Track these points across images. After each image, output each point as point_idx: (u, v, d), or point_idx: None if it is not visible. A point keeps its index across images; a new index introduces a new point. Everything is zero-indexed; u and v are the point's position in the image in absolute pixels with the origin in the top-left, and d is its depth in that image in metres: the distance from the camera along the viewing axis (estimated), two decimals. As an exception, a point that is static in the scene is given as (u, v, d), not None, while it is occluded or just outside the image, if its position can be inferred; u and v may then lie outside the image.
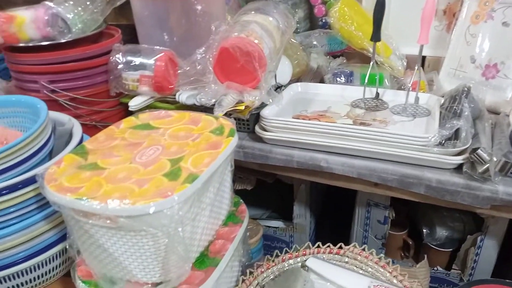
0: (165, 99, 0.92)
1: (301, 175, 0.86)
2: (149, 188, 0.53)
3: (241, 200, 0.77)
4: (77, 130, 0.73)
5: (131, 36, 1.02)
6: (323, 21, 1.19)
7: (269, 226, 1.09)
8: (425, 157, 0.73)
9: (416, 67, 0.86)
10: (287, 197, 1.06)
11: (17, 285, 0.67)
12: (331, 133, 0.78)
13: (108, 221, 0.50)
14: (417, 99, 0.90)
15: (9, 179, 0.62)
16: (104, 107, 0.92)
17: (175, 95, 0.88)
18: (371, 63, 0.90)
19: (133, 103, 0.86)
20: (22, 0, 1.18)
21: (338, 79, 1.03)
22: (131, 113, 0.98)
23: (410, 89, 0.89)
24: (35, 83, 0.85)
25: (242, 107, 0.80)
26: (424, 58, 1.07)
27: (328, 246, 0.76)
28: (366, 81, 0.91)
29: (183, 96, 0.85)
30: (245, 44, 0.78)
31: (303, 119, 0.84)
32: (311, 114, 0.88)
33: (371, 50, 1.00)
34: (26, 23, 0.84)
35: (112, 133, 0.69)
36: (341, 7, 1.03)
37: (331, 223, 1.16)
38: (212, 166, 0.58)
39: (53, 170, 0.58)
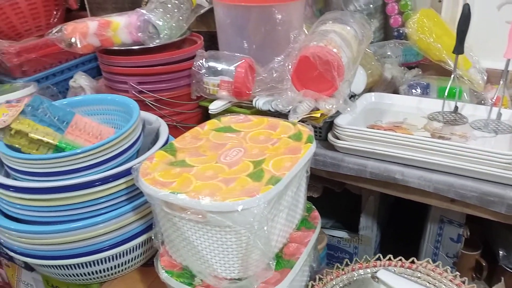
0: (241, 104, 0.95)
1: (373, 186, 0.85)
2: (235, 187, 0.56)
3: (314, 207, 0.78)
4: (164, 129, 0.78)
5: (210, 42, 1.07)
6: (399, 31, 1.18)
7: (333, 236, 1.09)
8: (509, 175, 0.71)
9: (501, 82, 0.83)
10: (353, 207, 1.05)
11: (102, 270, 0.73)
12: (408, 145, 0.77)
13: (199, 216, 0.53)
14: (499, 115, 0.86)
15: (102, 172, 0.68)
16: (185, 109, 0.97)
17: (251, 100, 0.91)
18: (452, 76, 0.88)
19: (213, 107, 0.90)
20: (112, 6, 1.28)
21: (413, 90, 1.02)
22: (207, 115, 1.03)
23: (493, 104, 0.86)
24: (124, 84, 0.92)
25: (318, 115, 0.82)
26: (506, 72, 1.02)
27: (400, 259, 0.75)
28: (446, 94, 0.89)
29: (259, 102, 0.88)
30: (324, 53, 0.79)
31: (378, 129, 0.84)
32: (386, 125, 0.87)
33: (449, 62, 0.98)
34: (120, 28, 0.91)
35: (197, 134, 0.73)
36: (419, 18, 1.02)
37: (397, 236, 1.14)
38: (293, 170, 0.60)
39: (146, 165, 0.62)
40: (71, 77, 1.44)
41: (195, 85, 0.93)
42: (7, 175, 0.72)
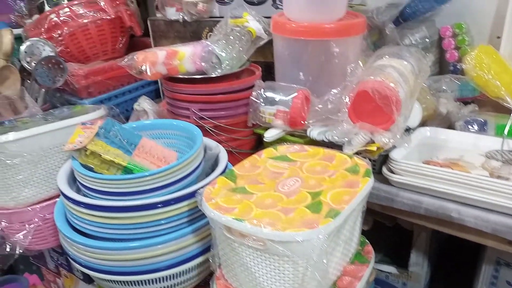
0: (294, 133, 0.98)
1: (427, 223, 0.84)
2: (294, 217, 0.58)
3: (367, 241, 0.78)
4: (223, 156, 0.81)
5: (266, 72, 1.11)
6: (455, 66, 1.17)
7: (382, 271, 1.07)
8: None
9: None
10: (403, 242, 1.04)
11: None
12: (465, 184, 0.76)
13: (260, 243, 0.55)
14: None
15: (166, 195, 0.71)
16: (240, 135, 1.00)
17: (305, 130, 0.94)
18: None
19: (268, 135, 0.93)
20: (174, 35, 1.36)
21: (470, 127, 1.00)
22: (261, 141, 1.06)
23: (557, 145, 0.84)
24: (186, 110, 0.97)
25: (374, 148, 0.82)
26: None
27: (455, 300, 0.73)
28: (505, 132, 0.87)
29: (314, 132, 0.90)
30: (383, 88, 0.81)
31: (434, 165, 0.83)
32: (442, 161, 0.86)
33: (508, 99, 0.96)
34: (186, 58, 0.96)
35: (255, 162, 0.76)
36: (477, 55, 1.01)
37: (448, 274, 1.10)
38: (351, 204, 0.61)
39: (209, 190, 0.66)
40: (132, 99, 1.53)
41: (252, 113, 0.97)
42: (78, 191, 0.78)
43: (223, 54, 0.96)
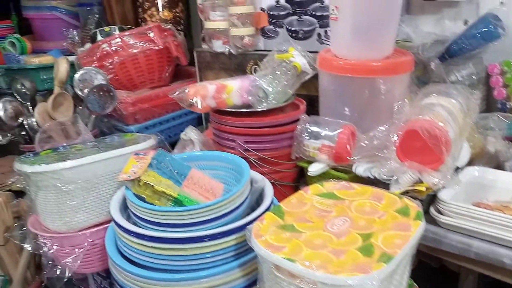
0: (337, 167, 0.97)
1: (476, 267, 0.82)
2: (346, 260, 0.58)
3: (415, 284, 0.76)
4: (269, 190, 0.82)
5: (309, 106, 1.12)
6: (503, 104, 1.15)
7: (425, 311, 1.04)
8: None
9: None
10: (449, 284, 1.00)
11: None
12: (520, 229, 0.74)
13: (311, 285, 0.55)
14: None
15: (211, 229, 0.72)
16: (283, 168, 1.01)
17: (350, 165, 0.93)
18: None
19: (312, 169, 0.93)
20: (219, 66, 1.40)
21: (521, 168, 0.97)
22: (302, 174, 1.07)
23: None
24: (232, 142, 0.99)
25: (423, 188, 0.81)
26: None
27: None
28: (561, 177, 0.84)
29: (360, 169, 0.90)
30: (433, 127, 0.80)
31: (484, 208, 0.81)
32: (493, 203, 0.84)
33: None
34: (233, 91, 0.99)
35: (302, 198, 0.76)
36: (528, 93, 0.99)
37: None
38: (404, 249, 0.60)
39: (258, 226, 0.66)
40: (175, 126, 1.58)
41: (296, 146, 0.97)
42: (128, 218, 0.80)
43: (270, 89, 0.98)
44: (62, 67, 1.24)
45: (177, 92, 0.97)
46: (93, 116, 1.31)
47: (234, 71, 1.35)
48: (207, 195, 0.82)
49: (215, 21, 1.32)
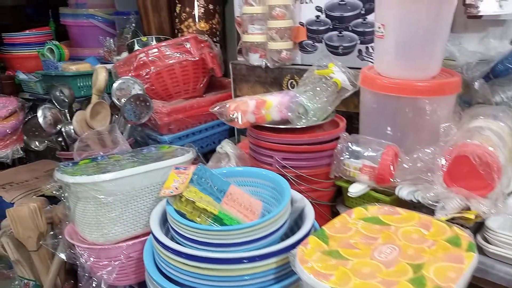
0: (376, 188, 0.95)
1: (527, 301, 0.77)
2: (397, 293, 0.55)
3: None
4: (310, 211, 0.80)
5: (347, 123, 1.10)
6: (552, 128, 1.09)
7: None
8: None
9: None
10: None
11: None
12: None
13: (362, 318, 0.53)
14: None
15: (250, 250, 0.70)
16: (321, 186, 0.99)
17: (391, 187, 0.90)
18: None
19: (353, 190, 0.91)
20: (255, 79, 1.39)
21: None
22: (339, 194, 1.04)
23: None
24: (270, 158, 0.97)
25: (472, 216, 0.78)
26: None
27: None
28: None
29: (403, 192, 0.87)
30: (484, 154, 0.77)
31: (537, 239, 0.77)
32: (546, 235, 0.80)
33: None
34: (273, 107, 0.98)
35: (345, 222, 0.74)
36: None
37: None
38: (458, 284, 0.57)
39: (302, 251, 0.64)
40: (207, 137, 1.57)
41: (335, 165, 0.95)
42: (167, 232, 0.79)
43: (310, 105, 0.96)
44: (101, 75, 1.26)
45: (217, 107, 0.96)
46: (129, 125, 1.31)
47: (269, 85, 1.34)
48: (246, 213, 0.80)
49: (253, 35, 1.31)
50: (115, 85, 1.27)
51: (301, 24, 1.27)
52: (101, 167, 0.90)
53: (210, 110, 1.00)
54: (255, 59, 1.34)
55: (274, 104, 0.98)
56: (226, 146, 1.08)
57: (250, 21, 1.31)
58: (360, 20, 1.14)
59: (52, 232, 1.14)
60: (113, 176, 0.82)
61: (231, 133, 1.64)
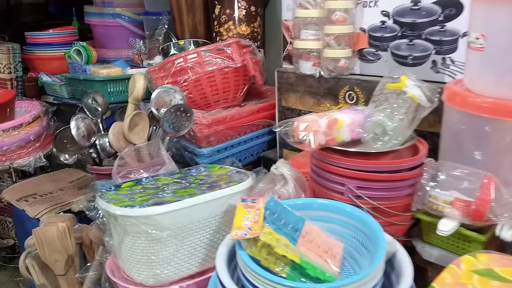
0: (464, 223, 0.81)
1: None
2: None
3: None
4: (405, 260, 0.66)
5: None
6: None
7: None
8: None
9: None
10: None
11: None
12: None
13: None
14: None
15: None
16: (398, 220, 0.86)
17: (485, 224, 0.77)
18: None
19: (444, 228, 0.78)
20: (305, 89, 1.26)
21: None
22: (413, 226, 0.91)
23: None
24: (341, 185, 0.84)
25: None
26: None
27: None
28: None
29: (507, 233, 0.73)
30: None
31: None
32: None
33: None
34: (344, 126, 0.85)
35: (456, 276, 0.60)
36: None
37: None
38: None
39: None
40: (246, 149, 1.45)
41: (419, 197, 0.82)
42: (232, 274, 0.66)
43: (389, 124, 0.83)
44: (139, 83, 1.13)
45: (282, 126, 0.83)
46: (168, 138, 1.19)
47: (322, 96, 1.21)
48: (325, 257, 0.67)
49: (306, 41, 1.18)
50: (154, 93, 1.15)
51: (362, 30, 1.14)
52: (150, 194, 0.78)
53: (274, 130, 0.87)
54: (307, 67, 1.21)
55: (346, 123, 0.85)
56: (282, 167, 0.95)
57: (304, 26, 1.18)
58: (437, 27, 1.00)
59: (89, 264, 1.02)
60: (169, 208, 0.70)
61: (270, 145, 1.51)
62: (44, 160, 1.60)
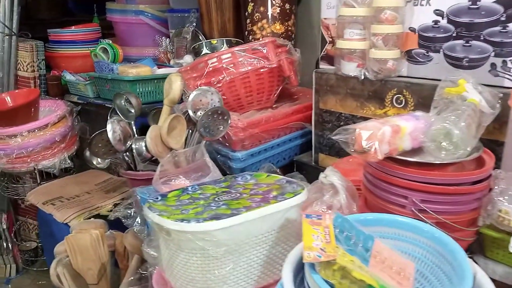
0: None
1: None
2: None
3: None
4: (486, 283, 0.61)
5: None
6: None
7: None
8: None
9: None
10: None
11: None
12: None
13: None
14: None
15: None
16: (462, 235, 0.80)
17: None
18: None
19: (518, 246, 0.72)
20: (346, 92, 1.20)
21: None
22: (478, 241, 0.85)
23: None
24: (403, 198, 0.79)
25: None
26: None
27: None
28: None
29: None
30: None
31: None
32: None
33: None
34: (406, 134, 0.79)
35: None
36: None
37: None
38: None
39: None
40: (279, 153, 1.40)
41: (487, 211, 0.76)
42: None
43: (458, 133, 0.77)
44: (176, 84, 1.08)
45: (340, 134, 0.77)
46: (204, 142, 1.14)
47: (366, 99, 1.15)
48: (398, 279, 0.62)
49: (350, 40, 1.12)
50: (191, 95, 1.10)
51: (412, 30, 1.08)
52: (201, 205, 0.73)
53: (331, 137, 0.81)
54: (350, 68, 1.15)
55: (408, 131, 0.79)
56: (332, 176, 0.90)
57: (348, 25, 1.12)
58: (497, 28, 0.94)
59: (131, 279, 0.97)
60: (228, 224, 0.65)
61: (304, 149, 1.45)
62: (68, 161, 1.56)
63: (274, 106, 1.44)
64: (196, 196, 0.79)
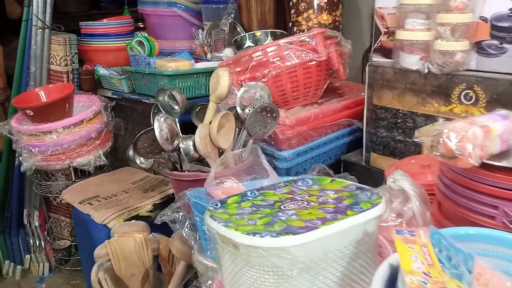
0: None
1: None
2: None
3: None
4: None
5: None
6: None
7: None
8: None
9: None
10: None
11: None
12: None
13: None
14: None
15: None
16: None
17: None
18: None
19: None
20: (405, 86, 1.11)
21: None
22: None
23: None
24: (492, 208, 0.70)
25: None
26: None
27: None
28: None
29: None
30: None
31: None
32: None
33: None
34: (495, 136, 0.70)
35: None
36: None
37: None
38: None
39: None
40: (326, 152, 1.32)
41: None
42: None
43: (556, 136, 0.68)
44: (223, 80, 1.01)
45: (429, 137, 0.68)
46: (252, 140, 1.06)
47: (429, 95, 1.06)
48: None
49: (413, 31, 1.03)
50: (240, 92, 1.02)
51: (483, 19, 0.98)
52: (267, 214, 0.66)
53: (414, 140, 0.72)
54: (412, 61, 1.06)
55: (497, 132, 0.70)
56: (402, 181, 0.81)
57: (411, 14, 1.03)
58: None
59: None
60: (307, 239, 0.57)
61: (351, 147, 1.37)
62: (103, 158, 1.51)
63: (319, 101, 1.36)
64: (258, 203, 0.71)
